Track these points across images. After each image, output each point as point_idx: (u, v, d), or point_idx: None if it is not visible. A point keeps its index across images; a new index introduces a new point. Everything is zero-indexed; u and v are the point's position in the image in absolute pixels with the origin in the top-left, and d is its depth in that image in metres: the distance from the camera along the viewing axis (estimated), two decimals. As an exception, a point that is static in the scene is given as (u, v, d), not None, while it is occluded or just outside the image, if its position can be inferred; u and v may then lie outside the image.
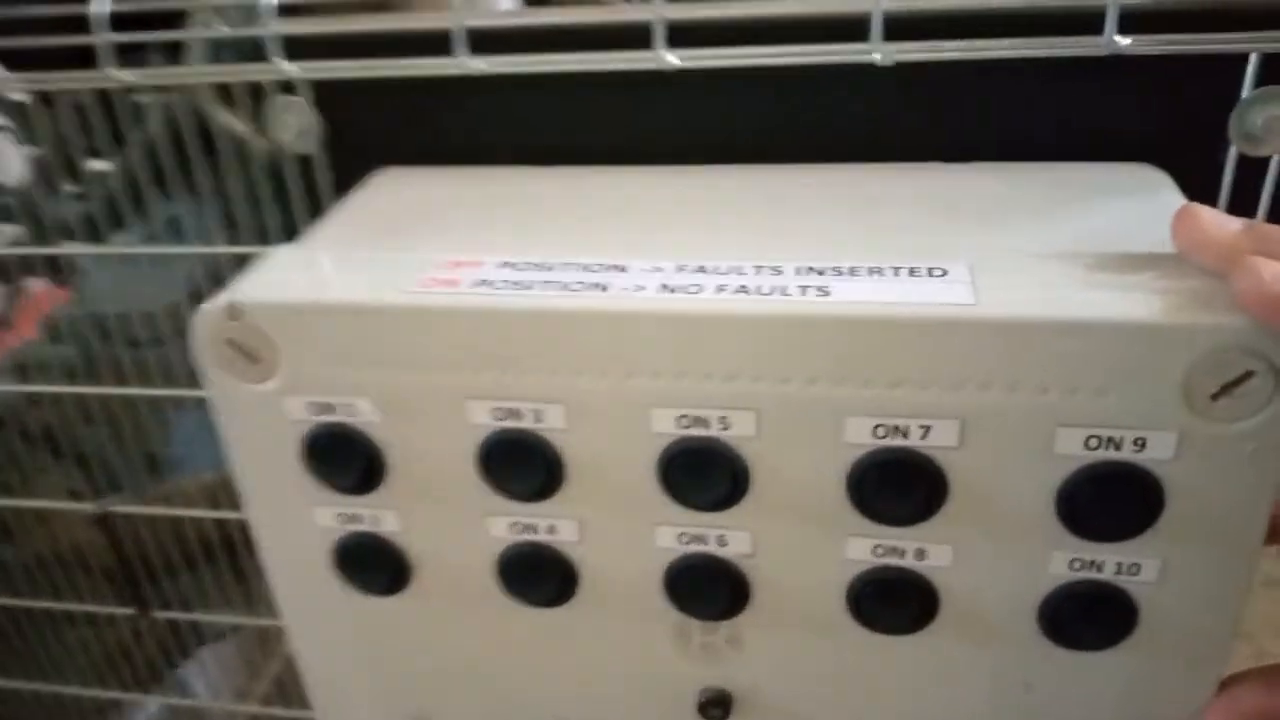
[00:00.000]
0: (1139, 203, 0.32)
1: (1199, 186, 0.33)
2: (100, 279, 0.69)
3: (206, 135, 0.45)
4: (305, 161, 0.40)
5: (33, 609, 0.58)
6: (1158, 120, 0.35)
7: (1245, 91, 0.32)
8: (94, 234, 0.49)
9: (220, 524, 0.51)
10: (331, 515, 0.32)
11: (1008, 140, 0.36)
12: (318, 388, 0.30)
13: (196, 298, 0.53)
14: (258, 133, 0.50)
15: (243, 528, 0.51)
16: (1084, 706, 0.31)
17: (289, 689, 0.64)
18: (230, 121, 0.53)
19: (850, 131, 0.36)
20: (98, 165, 0.54)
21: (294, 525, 0.32)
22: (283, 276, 0.30)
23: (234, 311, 0.29)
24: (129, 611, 0.55)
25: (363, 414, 0.30)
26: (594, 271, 0.29)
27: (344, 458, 0.30)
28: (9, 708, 0.67)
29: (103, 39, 0.38)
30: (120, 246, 0.48)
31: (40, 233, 0.50)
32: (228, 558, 0.52)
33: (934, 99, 0.36)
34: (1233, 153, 0.33)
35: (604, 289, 0.28)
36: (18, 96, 0.49)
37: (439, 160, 0.40)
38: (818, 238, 0.31)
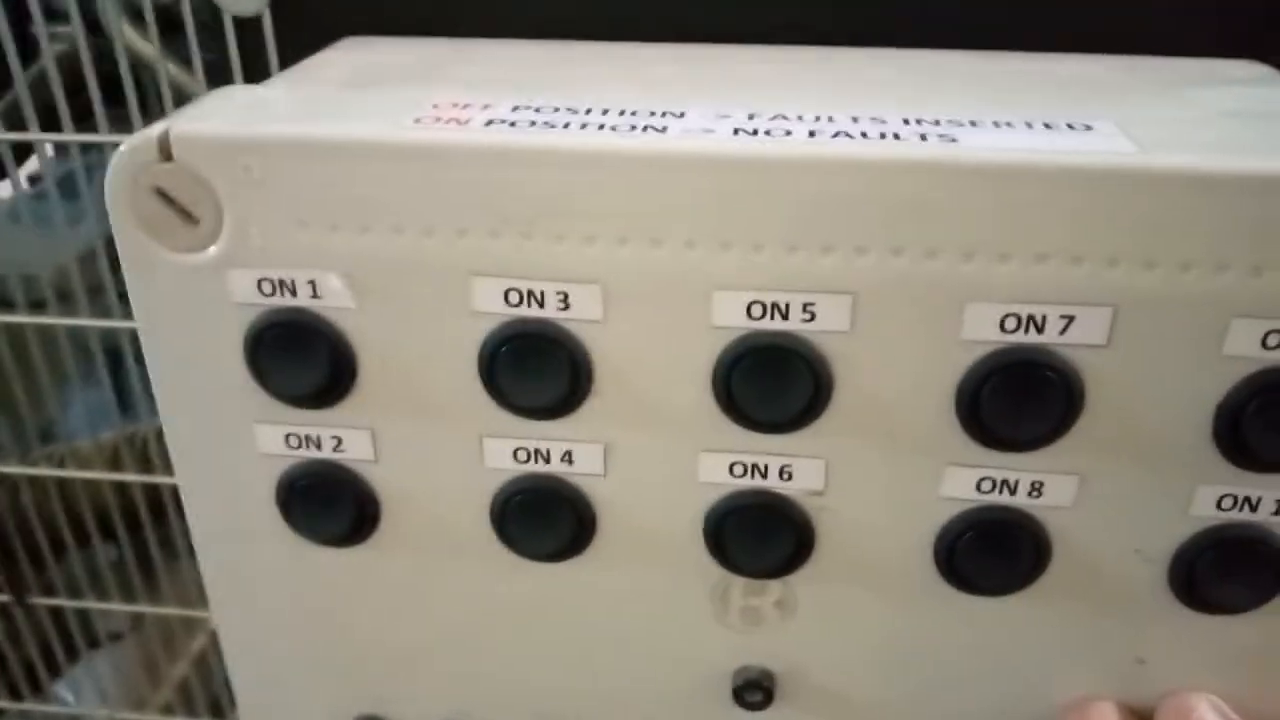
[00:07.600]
0: (1258, 90, 0.28)
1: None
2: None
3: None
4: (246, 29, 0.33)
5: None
6: (1264, 18, 0.31)
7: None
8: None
9: (121, 491, 0.43)
10: (279, 436, 0.25)
11: (1109, 31, 0.31)
12: (273, 259, 0.23)
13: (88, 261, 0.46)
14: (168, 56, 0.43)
15: (148, 494, 0.44)
16: (1208, 683, 0.25)
17: (195, 697, 0.56)
18: (139, 42, 0.45)
19: (933, 16, 0.31)
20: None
21: (228, 450, 0.25)
22: (232, 110, 0.23)
23: (165, 147, 0.22)
24: (3, 599, 0.46)
25: (331, 295, 0.23)
26: (644, 116, 0.22)
27: (303, 355, 0.23)
28: None
29: None
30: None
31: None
32: (130, 534, 0.44)
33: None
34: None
35: (661, 131, 0.22)
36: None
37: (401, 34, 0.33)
38: (919, 95, 0.25)
